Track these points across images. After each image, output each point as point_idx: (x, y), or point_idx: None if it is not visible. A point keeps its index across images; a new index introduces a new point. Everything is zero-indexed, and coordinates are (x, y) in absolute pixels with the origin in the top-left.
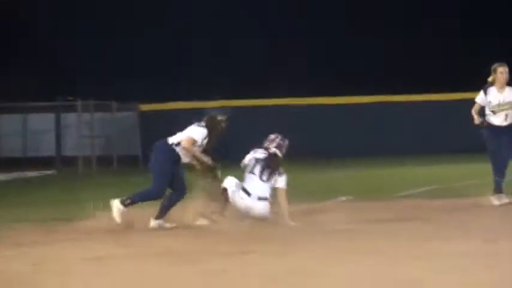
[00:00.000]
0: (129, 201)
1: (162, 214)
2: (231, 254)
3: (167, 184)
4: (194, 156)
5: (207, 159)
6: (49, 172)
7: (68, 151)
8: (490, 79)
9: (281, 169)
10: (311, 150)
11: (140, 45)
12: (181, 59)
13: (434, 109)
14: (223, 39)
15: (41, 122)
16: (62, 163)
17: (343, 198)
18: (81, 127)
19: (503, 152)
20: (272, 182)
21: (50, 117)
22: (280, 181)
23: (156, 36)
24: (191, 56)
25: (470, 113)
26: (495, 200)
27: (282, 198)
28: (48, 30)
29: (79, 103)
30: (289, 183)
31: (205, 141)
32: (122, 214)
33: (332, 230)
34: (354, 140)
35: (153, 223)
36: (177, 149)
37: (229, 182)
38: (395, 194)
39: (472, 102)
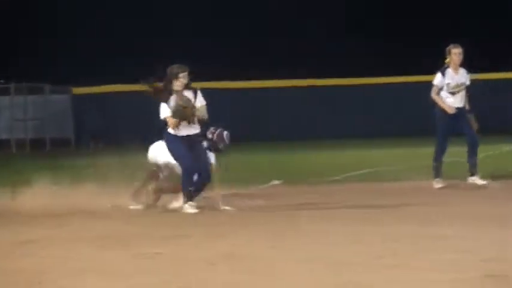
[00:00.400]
0: (185, 198)
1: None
2: (166, 238)
3: (189, 156)
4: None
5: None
6: None
7: (1, 134)
8: (446, 61)
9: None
10: (244, 134)
11: (80, 29)
12: (118, 42)
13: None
14: (164, 19)
15: None
16: None
17: (277, 182)
18: (15, 110)
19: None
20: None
21: None
22: (211, 156)
23: (94, 19)
24: (127, 39)
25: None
26: (436, 184)
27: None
28: None
29: (12, 86)
30: (224, 167)
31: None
32: (192, 206)
33: (267, 214)
34: (287, 123)
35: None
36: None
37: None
38: (330, 178)
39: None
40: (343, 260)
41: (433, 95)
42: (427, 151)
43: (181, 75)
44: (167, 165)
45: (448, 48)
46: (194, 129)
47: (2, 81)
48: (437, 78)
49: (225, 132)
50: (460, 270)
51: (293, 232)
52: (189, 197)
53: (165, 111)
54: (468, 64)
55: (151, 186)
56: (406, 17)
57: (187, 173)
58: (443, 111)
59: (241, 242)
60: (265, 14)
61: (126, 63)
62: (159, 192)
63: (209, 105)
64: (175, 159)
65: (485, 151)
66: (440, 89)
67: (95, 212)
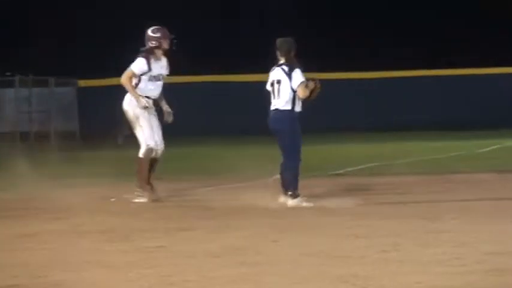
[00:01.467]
0: (291, 191)
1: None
2: (169, 231)
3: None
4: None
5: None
6: None
7: (7, 127)
8: None
9: None
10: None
11: (82, 20)
12: (124, 36)
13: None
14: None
15: None
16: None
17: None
18: (19, 102)
19: None
20: None
21: None
22: None
23: (98, 12)
24: (132, 32)
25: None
26: None
27: None
28: None
29: (17, 78)
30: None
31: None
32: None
33: (270, 207)
34: None
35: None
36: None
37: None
38: (333, 172)
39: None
40: (346, 253)
41: None
42: (433, 145)
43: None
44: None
45: None
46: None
47: (8, 73)
48: None
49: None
50: (462, 264)
51: (296, 225)
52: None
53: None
54: None
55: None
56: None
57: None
58: None
59: (245, 235)
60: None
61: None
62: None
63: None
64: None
65: None
66: None
67: (100, 205)
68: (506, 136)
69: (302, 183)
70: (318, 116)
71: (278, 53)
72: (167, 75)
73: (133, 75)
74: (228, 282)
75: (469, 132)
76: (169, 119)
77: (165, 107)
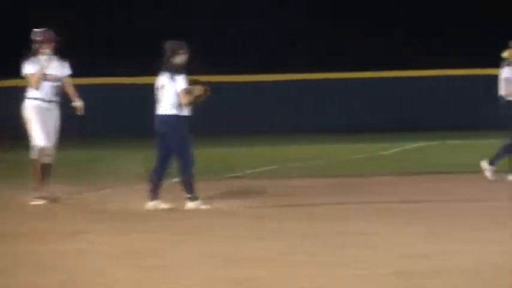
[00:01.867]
0: (188, 194)
1: None
2: (66, 234)
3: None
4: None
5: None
6: None
7: None
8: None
9: None
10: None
11: None
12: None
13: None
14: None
15: None
16: None
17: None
18: None
19: None
20: None
21: None
22: None
23: None
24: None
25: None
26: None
27: None
28: None
29: None
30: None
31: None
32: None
33: (172, 209)
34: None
35: None
36: None
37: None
38: (235, 174)
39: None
40: (249, 256)
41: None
42: (337, 148)
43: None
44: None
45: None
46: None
47: None
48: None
49: None
50: (369, 266)
51: (196, 228)
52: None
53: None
54: None
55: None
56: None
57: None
58: None
59: (144, 238)
60: None
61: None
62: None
63: None
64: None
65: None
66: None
67: None
68: (409, 139)
69: (201, 185)
70: (214, 119)
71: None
72: (70, 75)
73: (34, 76)
74: (123, 286)
75: (373, 135)
76: (79, 111)
77: (76, 103)
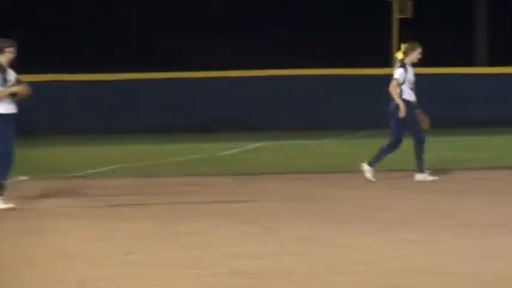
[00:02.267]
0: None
1: None
2: None
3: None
4: None
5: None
6: None
7: None
8: (405, 58)
9: None
10: None
11: None
12: None
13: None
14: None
15: None
16: None
17: (23, 177)
18: None
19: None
20: None
21: None
22: None
23: None
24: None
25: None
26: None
27: None
28: None
29: None
30: None
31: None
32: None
33: (15, 210)
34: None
35: None
36: None
37: None
38: (76, 174)
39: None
40: (87, 256)
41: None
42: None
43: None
44: None
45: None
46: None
47: None
48: (401, 72)
49: None
50: (203, 266)
51: (37, 228)
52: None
53: None
54: None
55: None
56: None
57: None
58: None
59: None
60: None
61: None
62: None
63: None
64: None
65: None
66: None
67: None
68: (250, 139)
69: (41, 184)
70: (55, 118)
71: None
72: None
73: None
74: None
75: (217, 135)
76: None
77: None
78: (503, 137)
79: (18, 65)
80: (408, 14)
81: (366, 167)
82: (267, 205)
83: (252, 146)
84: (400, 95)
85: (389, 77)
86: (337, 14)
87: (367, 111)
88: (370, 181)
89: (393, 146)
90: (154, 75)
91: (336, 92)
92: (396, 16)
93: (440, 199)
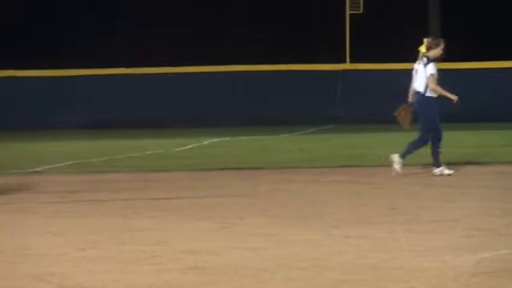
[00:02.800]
0: None
1: None
2: None
3: None
4: None
5: None
6: None
7: None
8: (428, 53)
9: None
10: None
11: None
12: None
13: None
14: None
15: None
16: None
17: None
18: None
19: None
20: None
21: None
22: None
23: None
24: None
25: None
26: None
27: None
28: None
29: None
30: None
31: None
32: None
33: None
34: None
35: None
36: None
37: None
38: (30, 170)
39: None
40: (42, 251)
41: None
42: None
43: None
44: None
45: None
46: None
47: None
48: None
49: None
50: (159, 262)
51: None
52: None
53: None
54: None
55: None
56: None
57: None
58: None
59: None
60: None
61: None
62: None
63: None
64: None
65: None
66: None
67: None
68: (205, 135)
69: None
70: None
71: None
72: None
73: None
74: None
75: (172, 130)
76: None
77: None
78: None
79: None
80: (359, 10)
81: (396, 158)
82: (223, 201)
83: (207, 142)
84: (425, 91)
85: (342, 73)
86: (290, 12)
87: (320, 107)
88: (399, 174)
89: (438, 139)
90: (103, 71)
91: (288, 88)
92: (349, 12)
93: (398, 195)
